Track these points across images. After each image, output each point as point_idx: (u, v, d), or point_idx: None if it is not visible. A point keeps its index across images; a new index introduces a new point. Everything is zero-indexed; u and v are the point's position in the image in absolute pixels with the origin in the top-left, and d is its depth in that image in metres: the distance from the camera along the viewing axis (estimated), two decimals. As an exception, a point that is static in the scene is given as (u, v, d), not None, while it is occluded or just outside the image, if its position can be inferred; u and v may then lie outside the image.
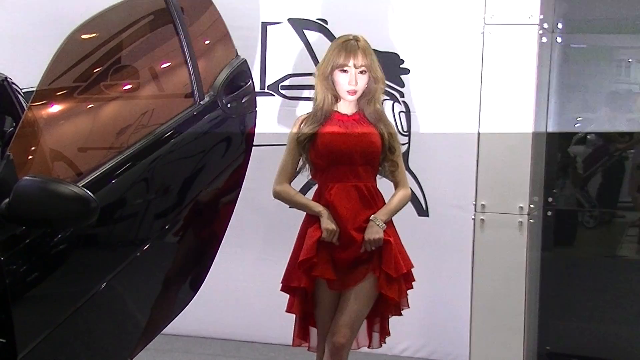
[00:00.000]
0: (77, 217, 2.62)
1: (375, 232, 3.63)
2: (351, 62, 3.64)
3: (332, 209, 3.67)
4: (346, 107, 3.74)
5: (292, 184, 3.87)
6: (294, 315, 3.85)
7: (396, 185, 3.80)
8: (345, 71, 3.65)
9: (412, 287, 3.76)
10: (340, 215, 3.67)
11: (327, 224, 3.63)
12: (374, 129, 3.71)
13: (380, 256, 3.64)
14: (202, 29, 3.58)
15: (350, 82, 3.65)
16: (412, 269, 3.76)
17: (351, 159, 3.68)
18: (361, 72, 3.66)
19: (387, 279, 3.62)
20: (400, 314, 3.80)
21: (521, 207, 4.63)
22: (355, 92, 3.67)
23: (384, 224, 3.65)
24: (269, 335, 5.67)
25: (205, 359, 5.41)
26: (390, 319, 3.85)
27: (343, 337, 3.63)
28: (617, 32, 5.37)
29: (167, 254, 3.36)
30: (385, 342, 3.88)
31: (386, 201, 3.77)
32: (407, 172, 5.35)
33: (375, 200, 3.71)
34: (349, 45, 3.65)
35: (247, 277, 5.71)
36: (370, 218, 3.65)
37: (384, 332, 3.84)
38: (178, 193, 3.28)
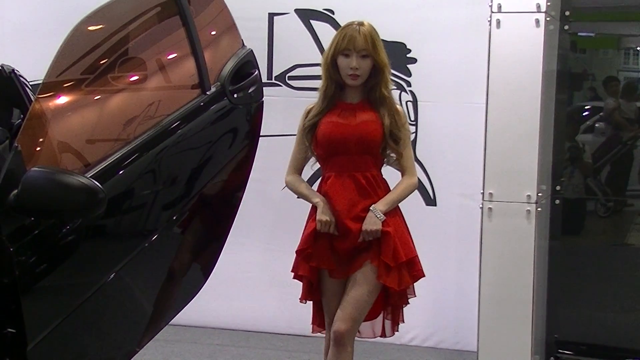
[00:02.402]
0: (86, 207, 2.63)
1: (372, 223, 3.60)
2: (352, 46, 3.62)
3: (328, 199, 3.68)
4: (352, 95, 3.72)
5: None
6: (305, 305, 3.86)
7: (403, 174, 3.77)
8: (346, 55, 3.63)
9: (421, 274, 3.71)
10: (335, 206, 3.66)
11: (321, 215, 3.64)
12: (375, 116, 3.67)
13: (380, 246, 3.63)
14: (209, 20, 3.57)
15: (351, 65, 3.62)
16: (419, 257, 3.72)
17: (347, 149, 3.66)
18: (363, 57, 3.62)
19: (386, 268, 3.60)
20: (407, 302, 3.77)
21: (529, 196, 4.63)
22: (356, 76, 3.64)
23: (383, 215, 3.62)
24: (277, 325, 5.69)
25: (213, 350, 5.43)
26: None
27: (343, 325, 3.63)
28: (625, 19, 5.35)
29: (175, 245, 3.37)
30: (397, 331, 3.85)
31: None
32: (415, 162, 5.39)
33: (375, 190, 3.67)
34: (351, 30, 3.64)
35: (255, 267, 5.72)
36: (370, 209, 3.63)
37: (395, 321, 3.82)
38: (185, 184, 3.28)
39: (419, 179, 5.34)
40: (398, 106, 3.74)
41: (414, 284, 3.74)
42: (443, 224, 5.41)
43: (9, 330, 2.65)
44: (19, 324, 2.62)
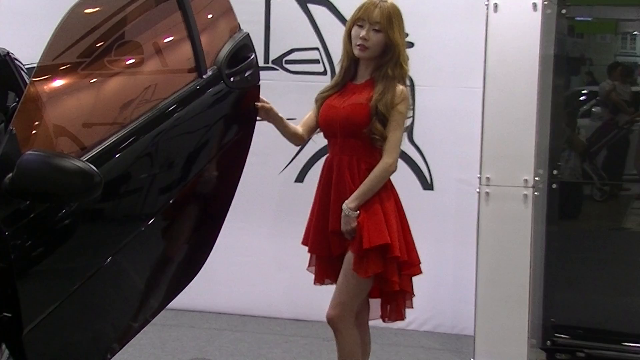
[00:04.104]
0: (81, 191, 2.62)
1: (345, 223, 3.55)
2: (366, 16, 3.56)
3: (322, 180, 3.69)
4: (361, 75, 3.66)
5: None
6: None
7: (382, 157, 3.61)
8: (360, 26, 3.57)
9: (403, 258, 3.58)
10: (317, 189, 3.70)
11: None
12: (368, 98, 3.57)
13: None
14: (205, 3, 3.56)
15: (361, 35, 3.55)
16: (411, 243, 3.65)
17: (335, 132, 3.63)
18: (375, 30, 3.55)
19: (357, 256, 3.56)
20: (394, 289, 3.63)
21: (526, 180, 4.63)
22: (365, 48, 3.57)
23: (355, 211, 3.53)
24: (275, 309, 5.69)
25: (211, 334, 5.43)
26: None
27: (331, 311, 3.64)
28: (622, 4, 5.33)
29: (172, 229, 3.37)
30: (399, 319, 3.78)
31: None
32: (412, 146, 5.39)
33: (360, 175, 3.58)
34: (370, 2, 3.58)
35: (253, 252, 5.72)
36: (342, 207, 3.55)
37: (391, 307, 3.75)
38: (182, 167, 3.27)
39: (415, 163, 5.41)
40: (400, 87, 3.58)
41: (408, 269, 3.65)
42: (440, 209, 5.41)
43: (5, 314, 2.65)
44: (15, 308, 2.61)
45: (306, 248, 3.80)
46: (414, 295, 3.76)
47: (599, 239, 5.38)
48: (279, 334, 5.45)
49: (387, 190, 3.63)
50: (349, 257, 3.60)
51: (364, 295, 3.67)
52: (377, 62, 3.62)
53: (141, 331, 3.29)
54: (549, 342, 4.96)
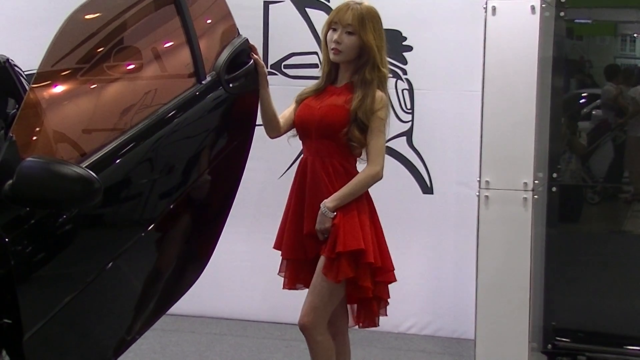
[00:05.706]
0: (81, 198, 2.62)
1: (320, 222, 3.52)
2: (338, 19, 3.53)
3: (295, 181, 3.67)
4: (341, 78, 3.64)
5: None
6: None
7: (367, 164, 3.59)
8: (334, 29, 3.56)
9: (377, 264, 3.52)
10: (291, 190, 3.68)
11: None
12: (345, 100, 3.55)
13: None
14: (204, 8, 3.56)
15: (334, 39, 3.53)
16: (385, 249, 3.61)
17: (309, 133, 3.60)
18: (349, 33, 3.53)
19: (328, 260, 3.53)
20: (368, 295, 3.57)
21: (525, 183, 4.62)
22: (338, 51, 3.54)
23: (332, 212, 3.50)
24: (275, 314, 5.68)
25: (211, 339, 5.43)
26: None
27: (305, 318, 3.61)
28: (622, 6, 5.33)
29: (172, 234, 3.37)
30: (374, 325, 3.71)
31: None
32: (411, 150, 5.39)
33: (332, 180, 3.55)
34: (344, 5, 3.57)
35: (253, 256, 5.72)
36: (320, 205, 3.53)
37: (366, 313, 3.69)
38: (182, 173, 3.28)
39: (415, 167, 5.41)
40: (379, 92, 3.55)
41: (388, 275, 3.61)
42: (440, 212, 5.41)
43: (5, 320, 2.65)
44: (15, 315, 2.61)
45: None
46: (388, 303, 3.70)
47: (599, 242, 5.37)
48: (279, 338, 5.45)
49: (362, 196, 3.59)
50: (322, 261, 3.56)
51: (337, 301, 3.61)
52: (355, 66, 3.60)
53: (141, 336, 3.29)
54: (550, 346, 4.96)
